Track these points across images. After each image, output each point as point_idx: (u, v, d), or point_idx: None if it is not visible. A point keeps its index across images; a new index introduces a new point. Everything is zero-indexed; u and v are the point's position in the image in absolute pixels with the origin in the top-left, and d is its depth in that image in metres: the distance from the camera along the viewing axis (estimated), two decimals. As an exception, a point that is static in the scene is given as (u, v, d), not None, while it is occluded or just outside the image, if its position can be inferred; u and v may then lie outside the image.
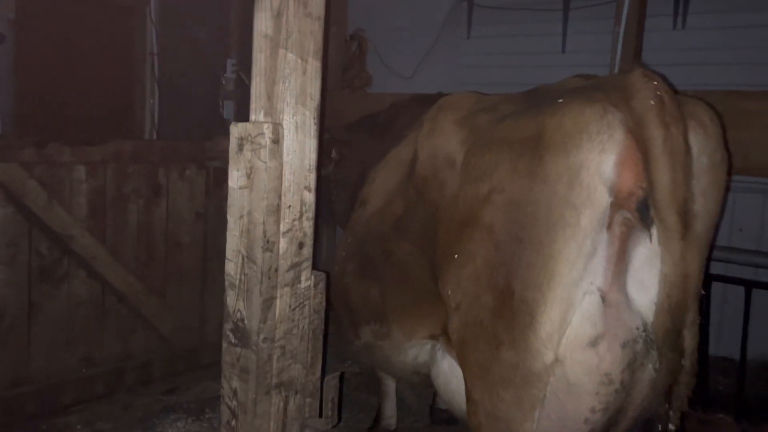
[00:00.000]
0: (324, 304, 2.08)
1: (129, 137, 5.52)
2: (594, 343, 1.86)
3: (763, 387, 4.26)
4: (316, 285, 2.05)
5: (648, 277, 1.92)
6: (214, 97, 6.19)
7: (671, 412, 2.11)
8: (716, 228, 2.03)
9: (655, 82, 1.81)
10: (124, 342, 4.35)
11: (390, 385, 3.77)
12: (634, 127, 1.80)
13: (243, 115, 5.81)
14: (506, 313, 1.91)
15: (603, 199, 1.81)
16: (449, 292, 2.14)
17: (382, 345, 2.70)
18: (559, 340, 1.86)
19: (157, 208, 4.43)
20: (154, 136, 5.90)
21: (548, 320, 1.84)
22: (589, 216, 1.81)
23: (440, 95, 3.52)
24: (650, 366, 1.95)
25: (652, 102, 1.78)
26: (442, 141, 2.25)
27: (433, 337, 2.48)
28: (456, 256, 2.08)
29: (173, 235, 4.52)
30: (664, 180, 1.79)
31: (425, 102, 3.37)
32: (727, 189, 2.02)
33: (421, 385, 3.48)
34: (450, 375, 2.40)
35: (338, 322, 3.09)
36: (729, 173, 2.01)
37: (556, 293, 1.83)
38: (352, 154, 4.00)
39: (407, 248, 2.49)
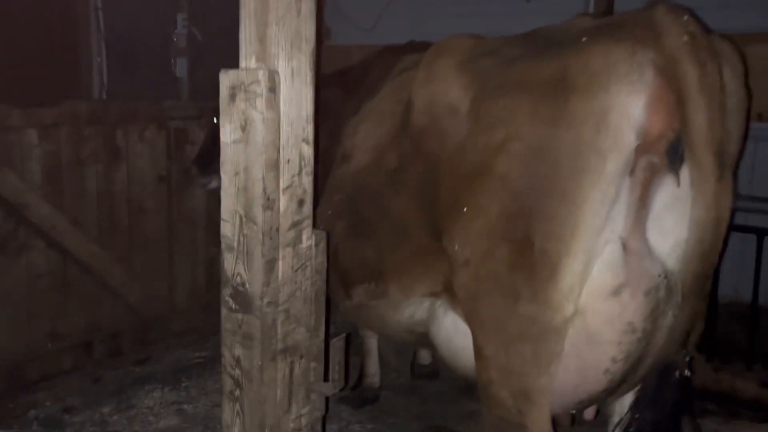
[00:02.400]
0: (326, 264, 1.97)
1: (83, 98, 5.18)
2: (617, 292, 1.81)
3: (730, 327, 4.38)
4: (317, 244, 1.93)
5: (669, 222, 1.87)
6: (165, 54, 5.87)
7: (687, 359, 2.11)
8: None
9: (686, 17, 1.73)
10: (90, 314, 4.14)
11: (372, 344, 3.73)
12: (665, 66, 1.72)
13: (196, 73, 5.55)
14: (525, 266, 1.84)
15: (630, 143, 1.73)
16: (456, 248, 2.04)
17: (377, 304, 2.61)
18: (579, 292, 1.80)
19: (117, 172, 4.19)
20: (104, 97, 5.57)
21: (570, 272, 1.78)
22: (615, 161, 1.73)
23: (411, 45, 3.39)
24: (670, 313, 1.92)
25: (686, 38, 1.70)
26: (442, 88, 2.12)
27: (433, 294, 2.40)
28: (465, 209, 1.98)
29: (136, 200, 4.30)
30: (701, 120, 1.72)
31: (398, 52, 3.24)
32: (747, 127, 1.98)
33: (410, 344, 3.45)
34: (453, 331, 2.34)
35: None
36: (748, 116, 1.97)
37: (579, 244, 1.77)
38: (324, 109, 3.84)
39: (404, 203, 2.38)
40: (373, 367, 3.77)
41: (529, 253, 1.84)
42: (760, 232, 3.77)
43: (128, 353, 4.32)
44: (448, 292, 2.28)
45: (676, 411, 2.16)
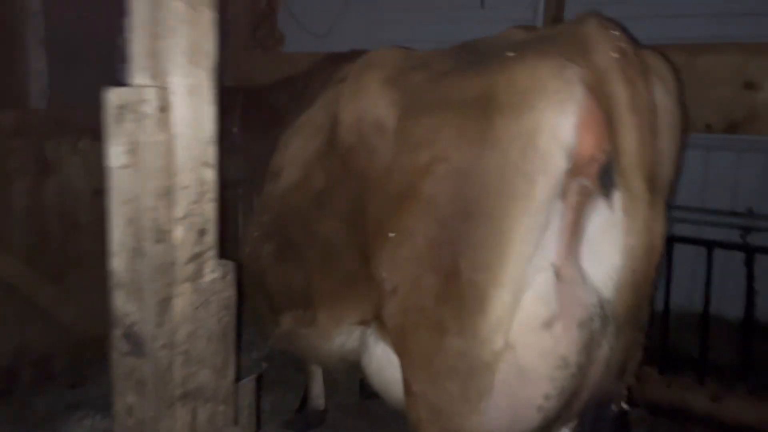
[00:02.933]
0: (235, 297, 1.80)
1: (10, 107, 4.92)
2: (548, 324, 1.70)
3: (684, 337, 4.32)
4: (223, 277, 1.76)
5: (604, 248, 1.76)
6: (110, 60, 5.64)
7: (624, 391, 1.99)
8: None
9: (615, 32, 1.62)
10: (18, 336, 3.90)
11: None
12: (595, 85, 1.60)
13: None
14: (452, 297, 1.71)
15: (560, 166, 1.61)
16: (384, 275, 1.91)
17: (306, 332, 2.46)
18: (510, 324, 1.68)
19: (48, 186, 3.95)
20: (45, 106, 5.31)
21: (499, 303, 1.66)
22: (544, 185, 1.61)
23: (354, 53, 3.25)
24: (606, 344, 1.81)
25: (615, 55, 1.59)
26: (370, 103, 1.98)
27: (363, 323, 2.26)
28: (391, 234, 1.84)
29: (69, 215, 4.06)
30: (631, 142, 1.61)
31: (338, 60, 3.10)
32: (682, 147, 1.87)
33: (345, 372, 3.30)
34: (384, 362, 2.20)
35: (253, 309, 2.82)
36: (684, 131, 1.86)
37: (508, 273, 1.64)
38: (272, 118, 3.69)
39: (333, 226, 2.24)
40: (317, 388, 3.61)
41: (456, 282, 1.71)
42: (710, 245, 3.72)
43: (60, 376, 4.07)
44: (379, 320, 2.14)
45: None
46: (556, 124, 1.59)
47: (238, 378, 1.86)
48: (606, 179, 1.68)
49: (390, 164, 1.89)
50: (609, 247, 1.76)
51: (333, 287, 2.29)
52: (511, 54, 1.70)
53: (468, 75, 1.76)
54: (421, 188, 1.76)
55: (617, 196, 1.71)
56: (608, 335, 1.81)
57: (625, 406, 2.03)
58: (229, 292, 1.80)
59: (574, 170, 1.64)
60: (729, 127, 3.50)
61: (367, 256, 2.01)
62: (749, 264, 3.63)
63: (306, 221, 2.34)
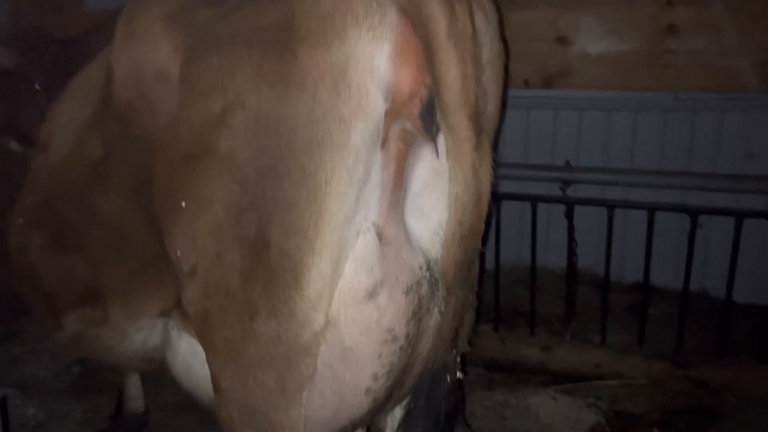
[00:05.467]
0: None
1: None
2: (372, 294, 1.48)
3: (516, 292, 4.45)
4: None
5: (428, 202, 1.57)
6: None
7: (458, 359, 1.85)
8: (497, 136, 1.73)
9: None
10: None
11: (132, 362, 3.15)
12: (409, 7, 1.37)
13: None
14: (261, 272, 1.44)
15: (378, 105, 1.38)
16: (179, 253, 1.59)
17: (98, 333, 2.06)
18: (330, 298, 1.45)
19: None
20: None
21: (317, 274, 1.41)
22: (362, 130, 1.37)
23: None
24: (436, 311, 1.63)
25: None
26: (148, 48, 1.63)
27: (163, 314, 1.92)
28: (183, 203, 1.52)
29: None
30: (452, 74, 1.39)
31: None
32: (505, 86, 1.71)
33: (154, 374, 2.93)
34: (191, 357, 1.89)
35: (35, 311, 2.36)
36: (506, 68, 1.70)
37: (326, 237, 1.40)
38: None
39: (116, 201, 1.86)
40: (134, 389, 3.20)
41: (265, 254, 1.44)
42: (534, 199, 3.79)
43: None
44: (179, 309, 1.82)
45: (449, 417, 1.92)
46: (369, 55, 1.36)
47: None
48: (428, 120, 1.46)
49: (176, 118, 1.55)
50: (437, 200, 1.58)
51: (124, 276, 1.92)
52: None
53: (263, 3, 1.46)
54: (216, 144, 1.45)
55: (441, 139, 1.51)
56: (438, 300, 1.64)
57: (459, 374, 1.90)
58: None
59: (394, 111, 1.43)
60: (545, 81, 3.55)
61: (159, 232, 1.67)
62: (570, 216, 3.74)
63: (83, 200, 1.92)
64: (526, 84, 3.54)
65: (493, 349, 3.91)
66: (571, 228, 3.79)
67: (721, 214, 3.59)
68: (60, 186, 2.03)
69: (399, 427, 1.92)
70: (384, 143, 1.46)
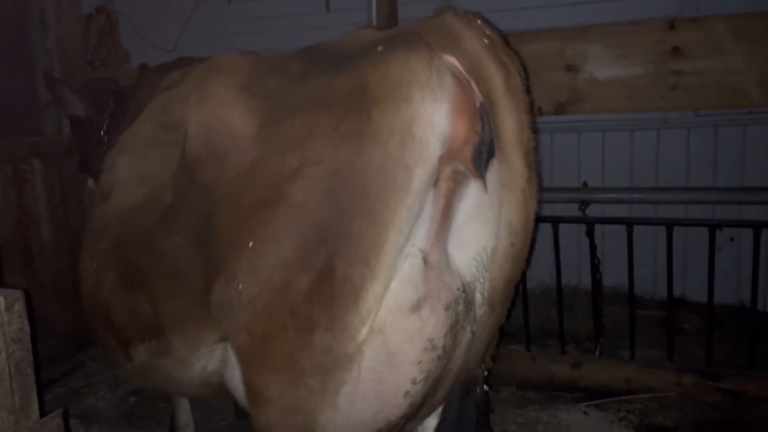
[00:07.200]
0: (27, 328, 1.65)
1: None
2: (416, 307, 1.71)
3: (548, 313, 4.55)
4: (9, 308, 1.62)
5: (470, 233, 1.80)
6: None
7: (485, 372, 2.05)
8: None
9: (479, 21, 1.69)
10: None
11: (181, 390, 3.39)
12: (471, 68, 1.67)
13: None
14: (325, 295, 1.69)
15: (434, 153, 1.64)
16: (240, 287, 1.83)
17: (163, 363, 2.32)
18: (377, 311, 1.68)
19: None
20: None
21: (373, 296, 1.66)
22: (421, 175, 1.63)
23: (179, 61, 3.14)
24: (469, 328, 1.85)
25: (486, 41, 1.66)
26: (221, 112, 1.90)
27: (223, 339, 2.15)
28: (251, 243, 1.78)
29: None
30: (510, 121, 1.69)
31: (162, 70, 2.98)
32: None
33: (207, 398, 3.15)
34: None
35: (102, 345, 2.63)
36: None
37: (384, 265, 1.65)
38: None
39: (179, 243, 2.11)
40: (184, 417, 3.42)
41: (330, 281, 1.69)
42: (556, 221, 3.93)
43: None
44: None
45: (479, 428, 2.10)
46: (431, 113, 1.62)
47: (44, 415, 1.70)
48: (479, 160, 1.71)
49: (248, 172, 1.82)
50: (477, 230, 1.82)
51: (186, 309, 2.16)
52: (380, 48, 1.70)
53: (339, 72, 1.74)
54: (290, 193, 1.72)
55: (494, 176, 1.76)
56: (470, 319, 1.86)
57: (485, 388, 2.09)
58: (19, 324, 1.64)
59: (449, 155, 1.68)
60: (558, 108, 3.72)
61: (217, 271, 1.92)
62: (590, 235, 3.86)
63: (150, 241, 2.20)
64: (540, 111, 3.71)
65: (524, 368, 4.01)
66: (593, 247, 3.90)
67: (737, 226, 3.65)
68: (127, 229, 2.32)
69: (431, 435, 2.11)
70: (437, 183, 1.71)
